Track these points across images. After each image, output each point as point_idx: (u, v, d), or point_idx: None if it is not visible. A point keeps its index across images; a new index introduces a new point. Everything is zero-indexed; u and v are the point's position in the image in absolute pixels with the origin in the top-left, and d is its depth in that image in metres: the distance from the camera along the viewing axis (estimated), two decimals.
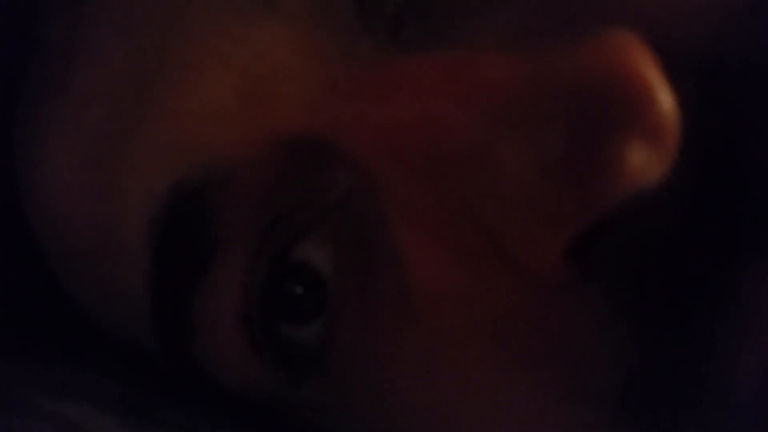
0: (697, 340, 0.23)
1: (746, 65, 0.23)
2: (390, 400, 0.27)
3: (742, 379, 0.23)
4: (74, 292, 0.31)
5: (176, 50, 0.26)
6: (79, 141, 0.28)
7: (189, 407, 0.30)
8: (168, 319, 0.28)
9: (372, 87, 0.25)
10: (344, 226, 0.26)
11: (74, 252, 0.30)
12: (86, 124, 0.28)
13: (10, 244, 0.32)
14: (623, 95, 0.21)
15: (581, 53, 0.22)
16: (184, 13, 0.26)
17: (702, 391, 0.23)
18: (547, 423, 0.25)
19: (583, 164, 0.22)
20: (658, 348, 0.23)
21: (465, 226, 0.24)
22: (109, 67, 0.27)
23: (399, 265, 0.26)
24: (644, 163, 0.21)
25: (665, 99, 0.21)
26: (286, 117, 0.25)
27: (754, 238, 0.23)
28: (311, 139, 0.26)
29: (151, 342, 0.29)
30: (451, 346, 0.25)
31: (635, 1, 0.24)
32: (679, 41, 0.23)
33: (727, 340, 0.23)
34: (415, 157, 0.24)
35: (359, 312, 0.26)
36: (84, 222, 0.29)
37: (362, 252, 0.26)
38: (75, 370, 0.31)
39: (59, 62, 0.29)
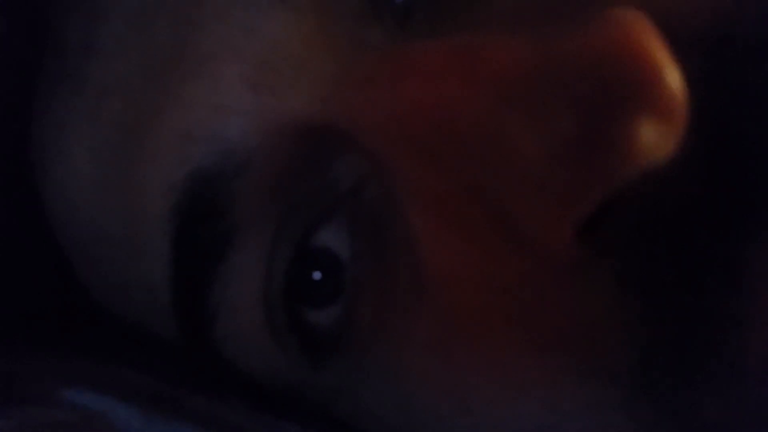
0: (707, 315, 0.23)
1: (750, 42, 0.23)
2: (406, 381, 0.27)
3: (754, 352, 0.23)
4: (93, 284, 0.32)
5: (190, 42, 0.27)
6: (96, 133, 0.29)
7: (209, 396, 0.31)
8: (188, 305, 0.28)
9: (382, 74, 0.25)
10: (359, 212, 0.27)
11: (93, 243, 0.30)
12: (103, 116, 0.28)
13: (29, 239, 0.32)
14: (632, 75, 0.22)
15: (589, 34, 0.22)
16: (197, 6, 0.27)
17: (715, 365, 0.23)
18: (561, 401, 0.25)
19: (593, 143, 0.22)
20: (670, 324, 0.23)
21: (477, 207, 0.24)
22: (125, 60, 0.28)
23: (413, 249, 0.26)
24: (654, 140, 0.22)
25: (673, 77, 0.22)
26: (298, 106, 0.26)
27: (761, 213, 0.23)
28: (324, 127, 0.26)
29: (172, 330, 0.29)
30: (464, 327, 0.26)
31: None
32: (684, 20, 0.23)
33: (738, 314, 0.23)
34: (427, 141, 0.24)
35: (376, 295, 0.27)
36: (103, 213, 0.29)
37: (377, 236, 0.27)
38: (95, 362, 0.31)
39: (75, 56, 0.29)
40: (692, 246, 0.23)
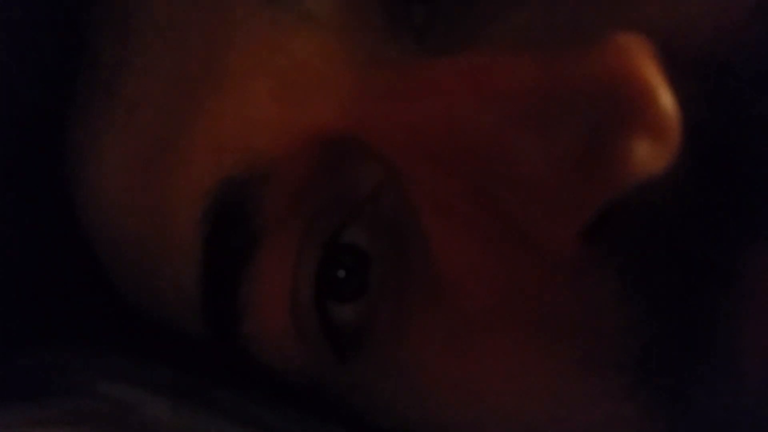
0: (704, 313, 0.25)
1: (747, 69, 0.25)
2: (422, 376, 0.29)
3: (748, 347, 0.25)
4: (125, 284, 0.33)
5: (219, 58, 0.28)
6: (128, 143, 0.30)
7: (234, 390, 0.32)
8: (217, 304, 0.30)
9: (399, 89, 0.27)
10: (377, 217, 0.28)
11: (125, 246, 0.32)
12: (135, 127, 0.30)
13: (65, 243, 0.34)
14: (629, 98, 0.23)
15: (591, 58, 0.24)
16: (226, 24, 0.28)
17: (712, 359, 0.25)
18: (570, 393, 0.27)
19: (593, 158, 0.24)
20: (669, 321, 0.25)
21: (486, 214, 0.26)
22: (156, 74, 0.29)
23: (427, 251, 0.27)
24: (649, 155, 0.23)
25: (666, 99, 0.23)
26: (320, 118, 0.27)
27: (753, 222, 0.24)
28: (344, 138, 0.27)
29: (200, 328, 0.31)
30: (476, 325, 0.27)
31: (643, 5, 0.25)
32: (686, 45, 0.25)
33: (731, 313, 0.24)
34: (440, 152, 0.26)
35: (394, 295, 0.28)
36: (135, 218, 0.30)
37: (395, 240, 0.28)
38: (129, 357, 0.33)
39: (108, 69, 0.31)
40: (688, 250, 0.25)
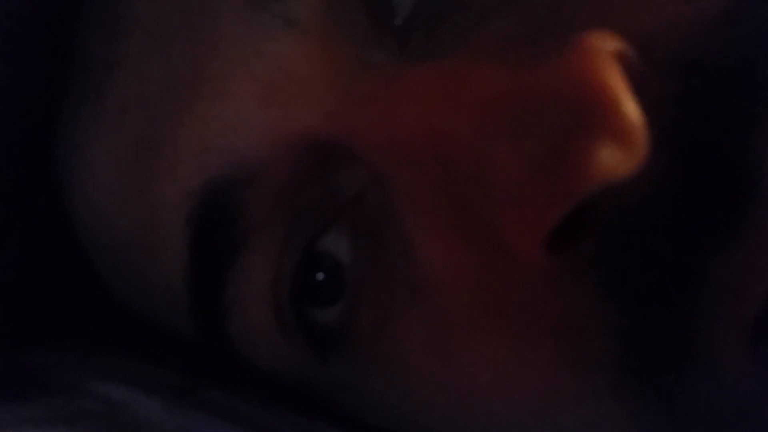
0: (678, 313, 0.25)
1: (717, 67, 0.25)
2: (405, 376, 0.29)
3: (723, 346, 0.25)
4: (115, 284, 0.34)
5: (206, 62, 0.29)
6: (117, 146, 0.31)
7: (224, 389, 0.33)
8: (204, 304, 0.30)
9: (382, 94, 0.27)
10: (361, 219, 0.29)
11: (115, 247, 0.32)
12: (124, 130, 0.30)
13: (59, 244, 0.34)
14: (591, 104, 0.24)
15: (558, 64, 0.24)
16: (212, 29, 0.29)
17: (691, 357, 0.25)
18: (553, 393, 0.27)
19: (558, 163, 0.24)
20: (645, 322, 0.25)
21: (467, 217, 0.26)
22: (144, 78, 0.30)
23: (410, 252, 0.28)
24: (613, 162, 0.24)
25: (628, 106, 0.24)
26: (304, 122, 0.28)
27: (723, 228, 0.25)
28: (328, 142, 0.28)
29: (189, 327, 0.31)
30: (458, 326, 0.27)
31: (617, 10, 0.26)
32: (658, 44, 0.25)
33: (707, 311, 0.25)
34: (421, 158, 0.26)
35: (376, 295, 0.29)
36: (124, 219, 0.31)
37: (377, 241, 0.29)
38: (121, 356, 0.34)
39: (97, 73, 0.31)
40: (661, 253, 0.25)
